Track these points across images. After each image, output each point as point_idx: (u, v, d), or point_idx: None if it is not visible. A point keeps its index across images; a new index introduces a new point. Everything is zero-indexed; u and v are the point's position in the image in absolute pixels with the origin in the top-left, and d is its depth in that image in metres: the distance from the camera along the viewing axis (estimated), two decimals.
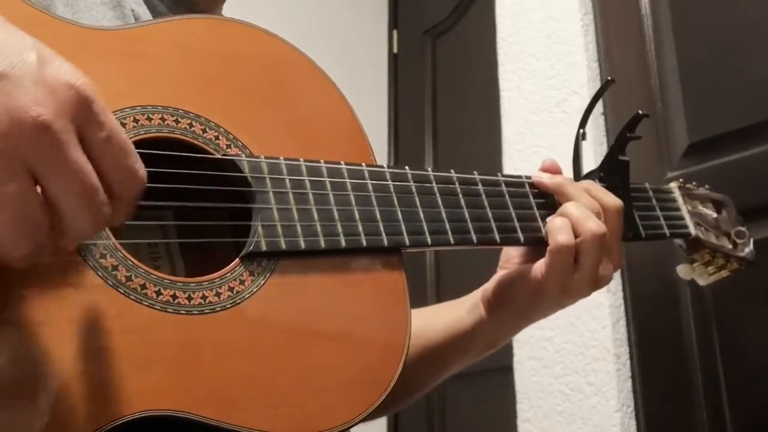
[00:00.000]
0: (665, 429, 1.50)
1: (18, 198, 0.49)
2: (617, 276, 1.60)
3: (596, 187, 0.88)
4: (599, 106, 1.65)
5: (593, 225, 0.81)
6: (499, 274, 0.90)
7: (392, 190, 0.77)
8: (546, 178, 0.87)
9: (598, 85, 1.74)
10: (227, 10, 0.95)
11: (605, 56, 1.75)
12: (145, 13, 0.82)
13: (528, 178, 0.88)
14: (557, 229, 0.81)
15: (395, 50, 2.79)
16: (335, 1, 2.75)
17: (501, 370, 1.83)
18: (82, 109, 0.51)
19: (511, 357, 1.76)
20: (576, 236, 0.81)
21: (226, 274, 0.66)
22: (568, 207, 0.84)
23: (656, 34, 1.68)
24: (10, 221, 0.49)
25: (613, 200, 0.86)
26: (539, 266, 0.83)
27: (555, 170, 0.89)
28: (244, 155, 0.71)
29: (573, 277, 0.82)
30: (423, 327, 0.89)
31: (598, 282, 0.84)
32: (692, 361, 1.47)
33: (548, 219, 0.84)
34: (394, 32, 2.81)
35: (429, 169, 0.82)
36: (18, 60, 0.49)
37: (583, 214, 0.82)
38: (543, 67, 1.84)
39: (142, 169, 0.54)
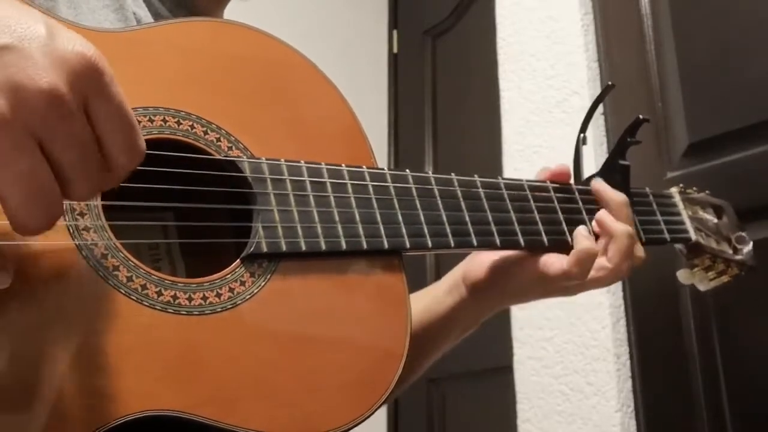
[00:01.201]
0: (665, 429, 1.51)
1: (32, 172, 0.48)
2: None
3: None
4: (599, 107, 1.66)
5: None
6: (485, 256, 0.91)
7: (393, 192, 0.77)
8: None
9: (598, 85, 1.74)
10: (228, 10, 0.95)
11: (605, 56, 1.75)
12: (146, 16, 0.82)
13: (528, 181, 0.88)
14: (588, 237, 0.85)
15: (395, 50, 2.79)
16: (335, 1, 2.75)
17: (501, 370, 1.83)
18: (92, 80, 0.50)
19: (511, 357, 1.76)
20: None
21: (227, 275, 0.66)
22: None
23: (656, 34, 1.68)
24: (25, 196, 0.49)
25: (621, 226, 0.88)
26: (558, 262, 0.84)
27: (565, 174, 0.91)
28: (245, 157, 0.71)
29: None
30: None
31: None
32: (692, 361, 1.47)
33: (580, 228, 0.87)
34: (394, 32, 2.81)
35: (429, 171, 0.82)
36: (27, 32, 0.49)
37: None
38: (543, 67, 1.84)
39: (143, 144, 0.54)
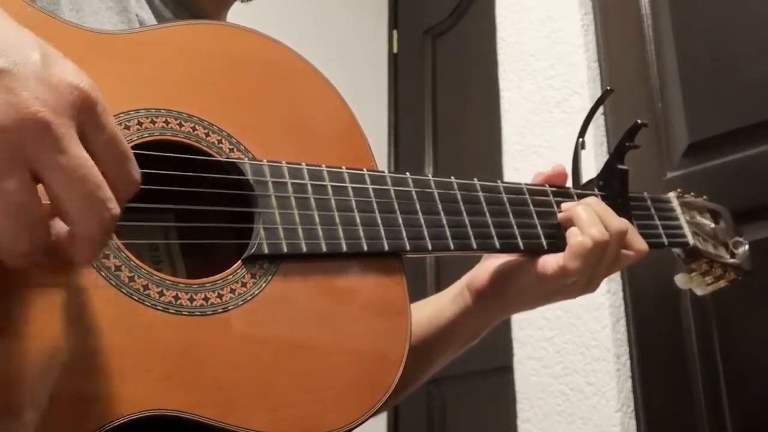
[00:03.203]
0: (665, 429, 1.51)
1: (18, 194, 0.48)
2: (617, 276, 1.61)
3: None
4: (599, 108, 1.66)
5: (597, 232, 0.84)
6: (491, 263, 0.91)
7: (393, 195, 0.77)
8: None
9: (598, 85, 1.74)
10: (229, 11, 0.96)
11: (605, 56, 1.75)
12: (149, 18, 0.83)
13: (527, 184, 0.89)
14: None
15: (395, 50, 2.79)
16: (335, 1, 2.75)
17: (501, 370, 1.83)
18: (84, 110, 0.50)
19: (511, 357, 1.76)
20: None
21: (228, 276, 0.67)
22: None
23: (656, 34, 1.68)
24: (10, 217, 0.49)
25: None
26: (554, 261, 0.84)
27: (562, 175, 0.91)
28: (246, 159, 0.71)
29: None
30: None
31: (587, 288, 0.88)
32: (692, 361, 1.47)
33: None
34: (394, 32, 2.81)
35: (429, 174, 0.82)
36: (21, 57, 0.49)
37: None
38: (543, 67, 1.84)
39: (137, 174, 0.54)
